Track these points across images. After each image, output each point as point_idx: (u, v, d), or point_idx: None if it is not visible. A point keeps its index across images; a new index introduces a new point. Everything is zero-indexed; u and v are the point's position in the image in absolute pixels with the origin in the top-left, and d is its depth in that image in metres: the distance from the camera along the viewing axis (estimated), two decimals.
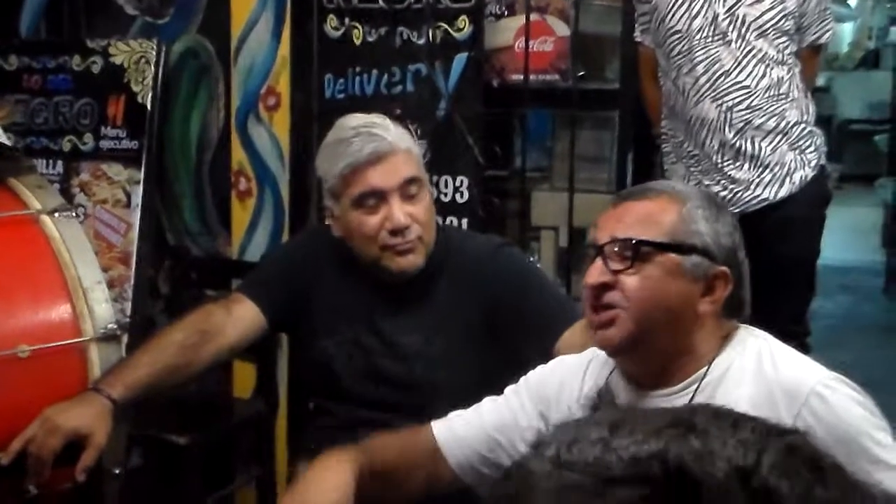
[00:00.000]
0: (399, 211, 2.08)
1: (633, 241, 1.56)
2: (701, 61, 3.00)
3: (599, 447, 0.60)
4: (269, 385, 3.21)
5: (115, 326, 2.03)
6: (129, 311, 3.20)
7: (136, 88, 3.36)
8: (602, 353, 1.75)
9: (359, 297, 2.20)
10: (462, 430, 1.79)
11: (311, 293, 2.23)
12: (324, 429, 2.21)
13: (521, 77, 3.31)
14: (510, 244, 2.35)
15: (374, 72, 3.29)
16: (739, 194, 3.05)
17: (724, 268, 1.58)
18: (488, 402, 1.81)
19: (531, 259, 3.12)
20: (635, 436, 0.60)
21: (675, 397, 1.59)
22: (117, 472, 2.08)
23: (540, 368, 1.81)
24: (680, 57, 3.03)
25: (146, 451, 3.09)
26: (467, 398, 1.84)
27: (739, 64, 2.99)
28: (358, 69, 3.31)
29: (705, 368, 1.58)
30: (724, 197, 2.97)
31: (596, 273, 1.59)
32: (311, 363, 2.28)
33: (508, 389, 1.82)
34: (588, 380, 1.73)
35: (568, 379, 1.75)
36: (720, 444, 0.59)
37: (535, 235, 3.51)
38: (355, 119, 2.17)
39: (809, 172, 3.09)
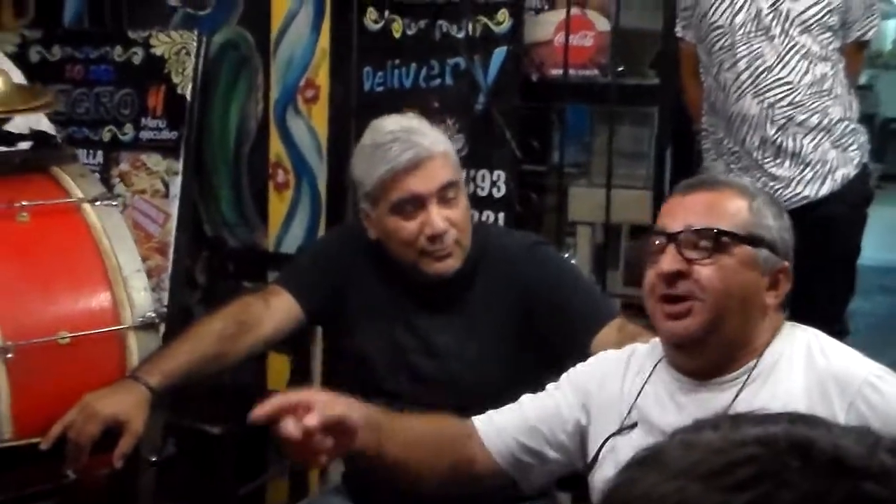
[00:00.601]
0: (437, 217, 2.07)
1: (714, 231, 1.57)
2: (743, 57, 2.97)
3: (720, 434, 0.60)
4: (303, 378, 3.21)
5: (154, 315, 2.04)
6: (166, 301, 3.22)
7: (176, 80, 3.37)
8: (643, 347, 1.75)
9: (395, 294, 2.19)
10: (502, 421, 1.79)
11: (348, 288, 2.24)
12: None
13: (561, 72, 3.30)
14: (546, 242, 2.34)
15: (413, 65, 3.29)
16: (780, 192, 3.02)
17: (787, 263, 1.61)
18: (528, 397, 1.82)
19: (566, 256, 3.11)
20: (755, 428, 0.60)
21: (727, 386, 1.61)
22: (153, 459, 2.09)
23: (581, 364, 1.81)
24: (721, 52, 3.01)
25: (180, 441, 3.10)
26: (502, 398, 1.84)
27: (782, 60, 2.96)
28: (397, 62, 3.30)
29: (756, 360, 1.60)
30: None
31: (670, 261, 1.58)
32: (345, 357, 2.29)
33: (550, 385, 1.82)
34: (629, 374, 1.73)
35: (610, 372, 1.75)
36: (831, 442, 0.58)
37: (571, 231, 3.49)
38: (392, 122, 2.16)
39: (852, 170, 3.06)
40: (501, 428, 1.78)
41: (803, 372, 1.57)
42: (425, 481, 1.77)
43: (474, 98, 3.23)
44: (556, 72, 3.33)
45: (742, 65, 2.98)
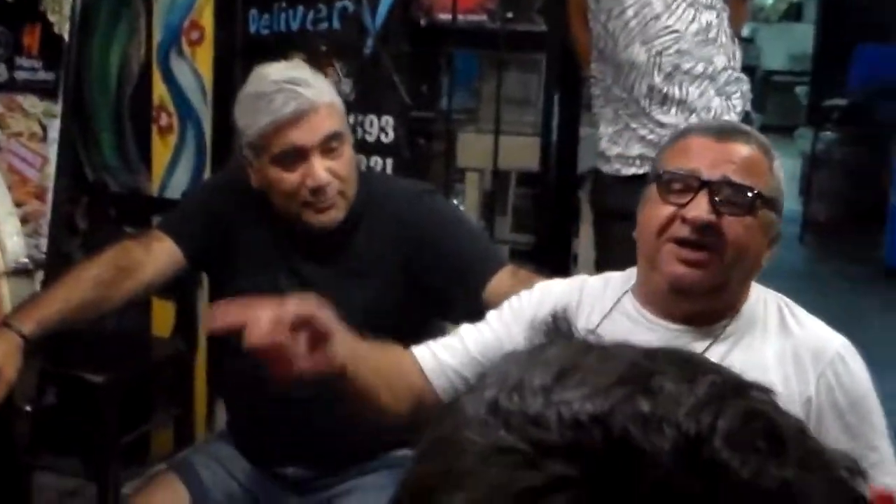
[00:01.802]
0: (320, 169, 2.04)
1: (754, 192, 1.56)
2: (631, 4, 2.99)
3: (541, 399, 0.53)
4: (188, 324, 3.17)
5: (27, 261, 1.98)
6: (44, 248, 3.12)
7: (52, 18, 3.24)
8: (594, 280, 1.74)
9: (279, 241, 2.16)
10: (445, 356, 1.75)
11: (232, 233, 2.20)
12: (238, 368, 2.19)
13: (449, 17, 3.27)
14: (433, 190, 2.33)
15: (300, 7, 3.22)
16: (666, 139, 3.06)
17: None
18: (469, 329, 1.78)
19: (455, 203, 3.10)
20: (582, 389, 0.53)
21: (698, 336, 1.60)
22: (28, 409, 2.04)
23: (525, 294, 1.77)
24: (610, 0, 3.02)
25: (61, 390, 3.03)
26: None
27: (669, 7, 2.98)
28: (283, 4, 3.24)
29: (730, 318, 1.61)
30: (652, 141, 2.97)
31: (702, 210, 1.55)
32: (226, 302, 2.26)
33: (490, 314, 1.78)
34: (583, 307, 1.70)
35: (560, 303, 1.70)
36: (672, 406, 0.52)
37: (460, 177, 3.49)
38: (276, 70, 2.11)
39: (735, 118, 3.10)
40: (444, 362, 1.75)
41: (776, 338, 1.58)
42: (392, 410, 1.72)
43: (362, 42, 3.18)
44: (445, 17, 3.30)
45: (630, 12, 2.99)
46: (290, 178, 2.05)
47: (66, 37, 3.23)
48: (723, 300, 1.60)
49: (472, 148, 3.42)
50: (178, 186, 3.33)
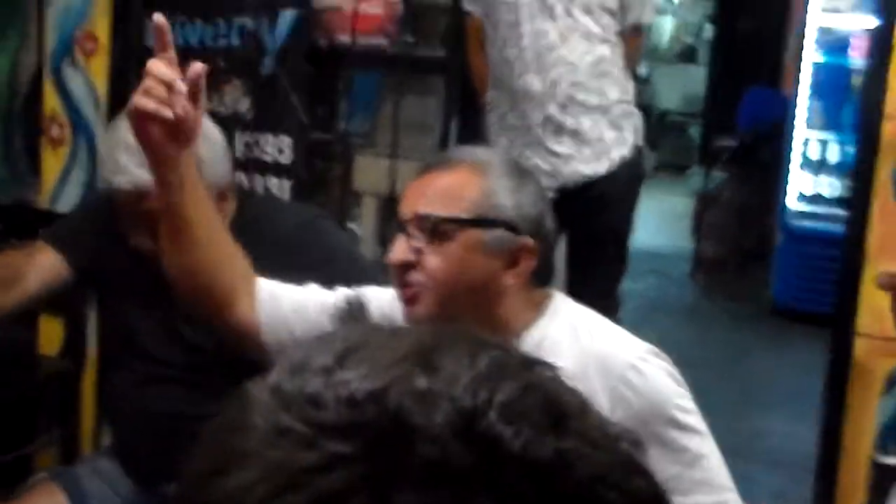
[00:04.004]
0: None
1: (435, 219, 1.54)
2: (527, 34, 3.04)
3: (321, 380, 0.53)
4: (77, 342, 3.10)
5: None
6: None
7: None
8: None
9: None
10: (283, 296, 1.73)
11: (118, 248, 2.16)
12: (122, 384, 2.15)
13: (349, 39, 3.29)
14: (324, 216, 2.32)
15: (199, 23, 3.20)
16: (560, 168, 3.11)
17: (528, 240, 1.57)
18: (317, 287, 1.76)
19: (343, 232, 3.09)
20: (362, 368, 0.53)
21: None
22: None
23: (371, 290, 1.76)
24: (507, 28, 3.07)
25: None
26: None
27: (565, 39, 3.04)
28: (183, 19, 3.21)
29: (516, 340, 1.56)
30: (545, 170, 3.02)
31: (399, 251, 1.56)
32: (112, 319, 2.22)
33: (340, 288, 1.76)
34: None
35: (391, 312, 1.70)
36: (449, 381, 0.52)
37: (357, 201, 3.49)
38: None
39: (627, 151, 3.18)
40: (277, 298, 1.72)
41: (569, 354, 1.54)
42: (192, 274, 1.68)
43: (261, 61, 3.17)
44: (345, 39, 3.31)
45: (526, 42, 3.04)
46: (145, 238, 2.02)
47: None
48: (484, 328, 1.54)
49: (370, 171, 3.43)
50: (69, 200, 3.27)
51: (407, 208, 1.57)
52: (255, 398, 0.55)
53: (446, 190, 1.56)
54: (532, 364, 0.56)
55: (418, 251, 1.54)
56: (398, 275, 1.57)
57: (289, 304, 1.72)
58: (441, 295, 1.54)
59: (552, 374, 0.56)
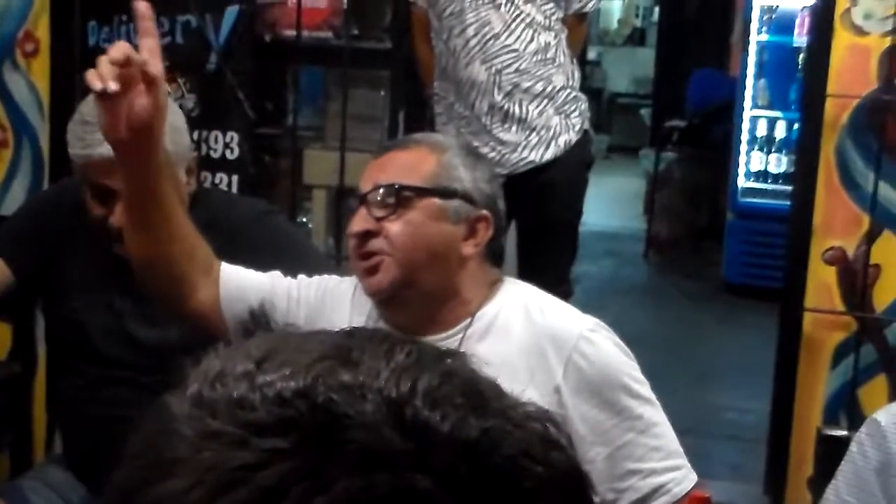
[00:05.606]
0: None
1: (396, 187, 1.60)
2: (471, 24, 3.05)
3: (245, 384, 0.54)
4: (26, 346, 3.07)
5: None
6: None
7: None
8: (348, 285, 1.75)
9: (113, 258, 2.10)
10: (247, 281, 1.76)
11: (63, 249, 2.14)
12: (72, 388, 2.13)
13: (294, 33, 3.27)
14: (275, 211, 2.31)
15: None
16: (507, 156, 3.12)
17: (485, 211, 1.64)
18: (279, 274, 1.78)
19: (296, 226, 3.08)
20: (284, 370, 0.54)
21: (440, 344, 1.60)
22: None
23: (333, 279, 1.79)
24: (451, 18, 3.07)
25: None
26: None
27: (509, 27, 3.05)
28: (124, 17, 3.18)
29: (471, 317, 1.63)
30: (493, 158, 3.03)
31: (360, 221, 1.62)
32: (60, 322, 2.20)
33: (301, 276, 1.78)
34: (355, 309, 1.72)
35: (337, 299, 1.74)
36: (373, 374, 0.54)
37: (307, 195, 3.48)
38: None
39: (574, 136, 3.19)
40: (242, 285, 1.74)
41: (522, 331, 1.61)
42: (156, 259, 1.69)
43: (206, 57, 3.16)
44: (290, 33, 3.30)
45: (471, 31, 3.05)
46: (99, 211, 2.02)
47: None
48: (440, 299, 1.64)
49: (319, 165, 3.42)
50: (13, 204, 3.22)
51: (366, 183, 1.63)
52: (175, 409, 0.55)
53: (406, 163, 1.63)
54: (446, 355, 0.58)
55: (379, 220, 1.60)
56: (358, 245, 1.61)
57: (248, 283, 1.75)
58: (401, 262, 1.59)
59: (466, 362, 0.58)
